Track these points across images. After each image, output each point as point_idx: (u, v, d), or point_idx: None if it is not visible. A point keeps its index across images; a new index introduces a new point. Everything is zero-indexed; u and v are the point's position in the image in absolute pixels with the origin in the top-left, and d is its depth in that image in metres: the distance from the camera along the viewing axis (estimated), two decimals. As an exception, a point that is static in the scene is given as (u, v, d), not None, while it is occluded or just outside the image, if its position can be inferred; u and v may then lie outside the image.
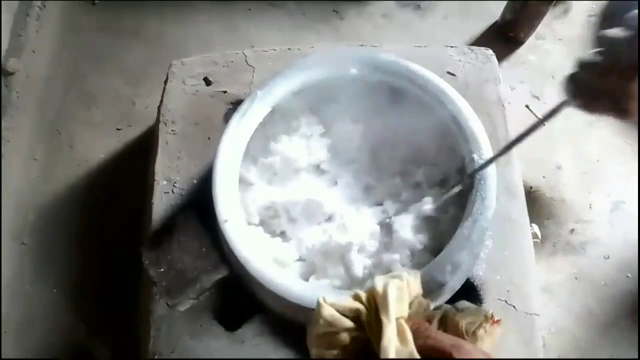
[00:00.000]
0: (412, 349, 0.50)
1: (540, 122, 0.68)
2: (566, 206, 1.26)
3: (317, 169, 0.92)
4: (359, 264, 0.80)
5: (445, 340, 0.52)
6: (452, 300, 0.83)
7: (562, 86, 0.61)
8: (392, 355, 0.49)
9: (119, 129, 1.36)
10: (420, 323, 0.56)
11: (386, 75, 0.85)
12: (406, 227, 0.82)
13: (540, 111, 1.35)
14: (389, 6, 1.56)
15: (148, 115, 1.33)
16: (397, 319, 0.53)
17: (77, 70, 1.45)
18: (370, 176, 0.91)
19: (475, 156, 0.80)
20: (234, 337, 0.83)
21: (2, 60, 1.33)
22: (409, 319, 0.55)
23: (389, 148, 0.91)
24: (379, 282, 0.56)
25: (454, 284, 0.78)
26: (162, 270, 0.86)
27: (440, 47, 1.09)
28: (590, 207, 1.26)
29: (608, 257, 1.21)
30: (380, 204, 0.90)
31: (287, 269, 0.83)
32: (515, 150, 0.97)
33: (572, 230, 1.23)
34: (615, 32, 0.56)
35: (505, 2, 1.45)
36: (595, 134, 1.36)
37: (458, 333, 0.61)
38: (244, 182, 0.87)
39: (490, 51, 1.10)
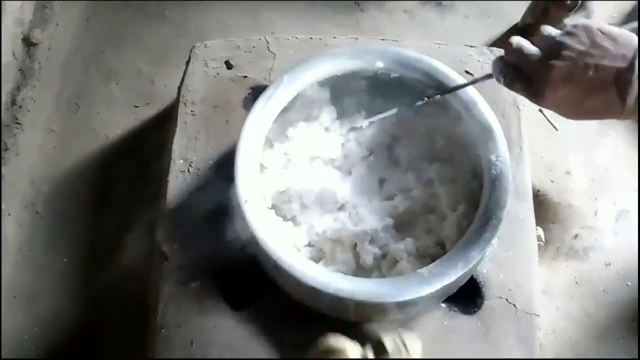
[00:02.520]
0: None
1: (472, 82, 0.82)
2: (572, 211, 1.27)
3: (332, 158, 0.93)
4: (369, 253, 0.82)
5: None
6: (454, 296, 0.85)
7: (492, 62, 0.72)
8: None
9: (136, 107, 1.38)
10: None
11: (410, 71, 0.87)
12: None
13: (553, 117, 1.36)
14: (410, 2, 1.57)
15: (166, 94, 1.35)
16: None
17: (100, 46, 1.46)
18: (384, 170, 0.92)
19: (493, 157, 0.81)
20: (240, 316, 0.85)
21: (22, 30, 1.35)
22: None
23: (405, 143, 0.93)
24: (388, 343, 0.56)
25: (462, 279, 0.80)
26: (175, 246, 0.88)
27: (459, 46, 1.10)
28: (596, 214, 1.27)
29: (609, 265, 1.23)
30: (392, 198, 0.91)
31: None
32: (526, 153, 1.00)
33: (576, 236, 1.25)
34: (553, 32, 0.65)
35: (526, 5, 1.45)
36: (606, 142, 1.37)
37: None
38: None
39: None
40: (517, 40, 0.68)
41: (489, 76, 0.75)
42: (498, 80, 0.71)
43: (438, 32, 1.52)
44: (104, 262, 1.21)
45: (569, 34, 0.63)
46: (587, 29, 0.62)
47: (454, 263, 0.74)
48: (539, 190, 1.27)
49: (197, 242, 0.89)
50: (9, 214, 1.22)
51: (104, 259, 1.22)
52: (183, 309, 0.85)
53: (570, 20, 1.28)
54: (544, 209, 1.26)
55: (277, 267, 0.74)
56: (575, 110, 0.65)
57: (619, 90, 0.59)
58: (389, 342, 0.58)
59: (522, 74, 0.67)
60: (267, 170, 0.90)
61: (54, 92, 1.38)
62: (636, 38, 0.60)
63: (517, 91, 0.69)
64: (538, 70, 0.64)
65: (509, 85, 0.70)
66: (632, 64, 0.58)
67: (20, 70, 1.34)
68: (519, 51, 0.67)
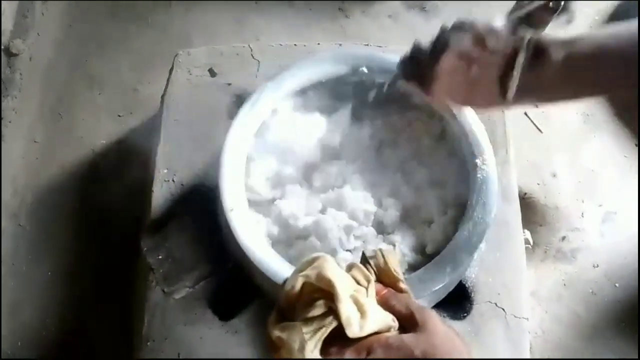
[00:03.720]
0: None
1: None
2: (559, 214, 1.28)
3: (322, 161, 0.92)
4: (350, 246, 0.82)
5: (406, 305, 0.54)
6: (442, 300, 0.85)
7: (397, 64, 0.78)
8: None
9: (120, 116, 1.37)
10: (379, 291, 0.58)
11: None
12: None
13: (539, 119, 1.37)
14: (395, 7, 1.57)
15: (150, 102, 1.33)
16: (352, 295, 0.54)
17: (82, 54, 1.45)
18: (372, 174, 0.92)
19: (478, 161, 0.81)
20: (228, 326, 0.84)
21: (2, 40, 1.33)
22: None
23: (392, 148, 0.92)
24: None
25: (450, 284, 0.80)
26: (160, 257, 0.87)
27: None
28: (583, 216, 1.28)
29: (597, 266, 1.23)
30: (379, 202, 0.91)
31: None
32: (512, 156, 1.00)
33: (564, 238, 1.25)
34: (443, 29, 0.71)
35: (509, 8, 1.46)
36: (593, 144, 1.38)
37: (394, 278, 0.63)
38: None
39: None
40: (417, 40, 0.74)
41: (395, 77, 0.82)
42: (401, 77, 0.78)
43: (423, 36, 1.51)
44: (88, 273, 1.19)
45: (457, 29, 0.68)
46: (473, 28, 0.67)
47: (442, 268, 0.74)
48: (525, 193, 1.28)
49: (183, 252, 0.88)
50: (-8, 226, 1.20)
51: (88, 269, 1.20)
52: (169, 320, 0.84)
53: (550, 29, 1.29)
54: (531, 211, 1.27)
55: (263, 276, 0.73)
56: (462, 103, 0.74)
57: (502, 86, 0.64)
58: (369, 251, 0.61)
59: (418, 69, 0.73)
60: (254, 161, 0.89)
61: (36, 102, 1.36)
62: (517, 37, 0.65)
63: (413, 85, 0.75)
64: (428, 64, 0.70)
65: (406, 78, 0.77)
66: (513, 60, 0.63)
67: (1, 81, 1.32)
68: (416, 47, 0.74)
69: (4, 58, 1.34)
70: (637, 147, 1.37)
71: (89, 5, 1.52)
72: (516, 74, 0.62)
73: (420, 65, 0.72)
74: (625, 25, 0.61)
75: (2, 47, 1.34)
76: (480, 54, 0.65)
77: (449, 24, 0.71)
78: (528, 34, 0.64)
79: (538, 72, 0.62)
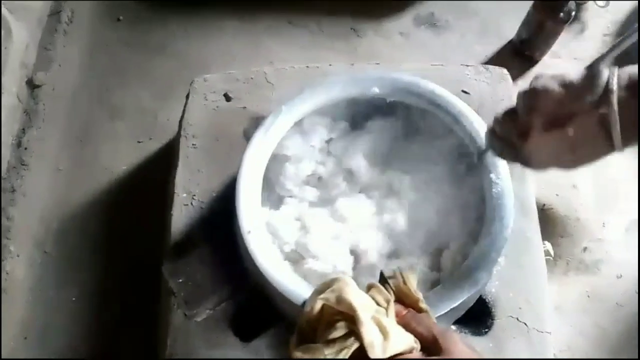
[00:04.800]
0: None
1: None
2: (580, 225, 1.26)
3: (334, 185, 0.93)
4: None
5: (428, 327, 0.54)
6: (463, 316, 0.84)
7: (485, 135, 0.73)
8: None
9: (140, 142, 1.40)
10: (399, 312, 0.58)
11: (406, 96, 0.88)
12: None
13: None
14: (406, 25, 1.59)
15: (169, 128, 1.37)
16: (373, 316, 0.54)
17: (102, 84, 1.49)
18: (384, 195, 0.92)
19: (493, 176, 0.81)
20: (249, 348, 0.85)
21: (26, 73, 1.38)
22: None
23: (405, 168, 0.93)
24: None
25: (470, 300, 0.80)
26: (180, 281, 0.89)
27: (456, 66, 1.11)
28: (604, 226, 1.26)
29: (621, 277, 1.21)
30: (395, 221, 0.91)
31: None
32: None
33: (586, 249, 1.23)
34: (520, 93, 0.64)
35: (521, 21, 1.46)
36: (612, 154, 1.36)
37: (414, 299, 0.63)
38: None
39: (504, 70, 1.12)
40: (498, 112, 0.68)
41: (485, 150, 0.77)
42: (493, 154, 0.72)
43: (435, 52, 1.53)
44: (113, 298, 1.21)
45: (534, 97, 0.61)
46: (555, 78, 0.61)
47: (460, 285, 0.74)
48: (544, 205, 1.26)
49: (203, 275, 0.89)
50: (18, 255, 1.23)
51: (113, 294, 1.22)
52: (191, 343, 0.85)
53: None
54: (552, 223, 1.25)
55: (283, 298, 0.74)
56: (569, 162, 0.63)
57: (604, 133, 0.58)
58: (387, 271, 0.62)
59: (509, 141, 0.66)
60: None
61: (59, 131, 1.40)
62: (605, 74, 0.58)
63: (510, 160, 0.69)
64: (518, 132, 0.64)
65: (501, 156, 0.71)
66: (607, 101, 0.56)
67: (25, 112, 1.37)
68: (499, 120, 0.67)
69: (27, 90, 1.39)
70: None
71: (109, 37, 1.57)
72: (614, 116, 0.56)
73: (511, 135, 0.66)
74: None
75: (26, 79, 1.38)
76: (571, 107, 0.59)
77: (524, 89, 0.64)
78: (614, 71, 0.58)
79: (635, 107, 0.56)
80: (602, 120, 0.57)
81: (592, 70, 0.58)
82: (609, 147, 0.59)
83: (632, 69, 0.58)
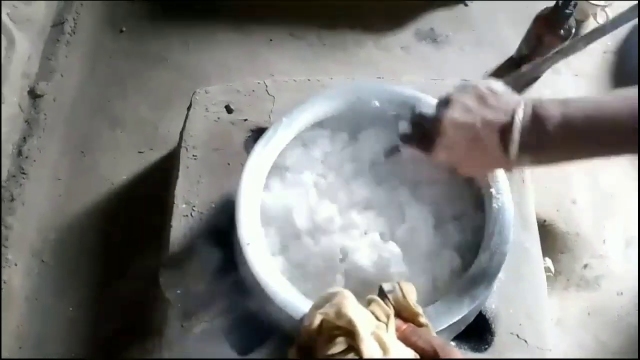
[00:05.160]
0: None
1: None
2: (580, 240, 1.25)
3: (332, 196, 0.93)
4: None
5: (428, 342, 0.54)
6: (462, 332, 0.84)
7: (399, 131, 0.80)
8: None
9: (141, 152, 1.40)
10: (399, 326, 0.57)
11: (406, 109, 0.88)
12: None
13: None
14: (406, 39, 1.60)
15: (170, 139, 1.37)
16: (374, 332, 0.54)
17: (104, 94, 1.50)
18: (383, 208, 0.92)
19: (493, 190, 0.81)
20: (246, 361, 0.84)
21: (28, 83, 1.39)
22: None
23: (404, 181, 0.92)
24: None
25: (469, 316, 0.79)
26: (178, 292, 0.88)
27: (455, 80, 1.11)
28: (605, 242, 1.26)
29: (622, 293, 1.21)
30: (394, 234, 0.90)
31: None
32: (529, 183, 0.99)
33: (586, 265, 1.23)
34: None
35: (521, 37, 1.47)
36: (611, 169, 1.36)
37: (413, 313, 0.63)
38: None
39: (507, 80, 1.12)
40: (417, 106, 0.78)
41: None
42: (404, 142, 0.80)
43: (435, 67, 1.54)
44: (110, 308, 1.21)
45: (459, 91, 0.69)
46: (475, 88, 0.68)
47: (460, 300, 0.73)
48: (545, 220, 1.26)
49: (201, 286, 0.88)
50: (16, 264, 1.22)
51: (110, 304, 1.21)
52: (187, 355, 0.84)
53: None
54: (552, 239, 1.25)
55: (280, 311, 0.73)
56: (464, 162, 0.72)
57: (502, 142, 0.64)
58: (387, 285, 0.62)
59: (419, 134, 0.75)
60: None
61: (59, 141, 1.40)
62: (517, 96, 0.66)
63: (412, 146, 0.77)
64: (430, 127, 0.71)
65: (405, 141, 0.79)
66: (513, 118, 0.63)
67: (26, 121, 1.37)
68: (416, 113, 0.76)
69: (29, 100, 1.39)
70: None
71: (111, 48, 1.58)
72: (516, 134, 0.62)
73: (421, 129, 0.74)
74: (627, 90, 0.61)
75: (28, 89, 1.39)
76: (481, 114, 0.66)
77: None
78: (526, 95, 0.67)
79: (537, 132, 0.62)
80: (503, 134, 0.64)
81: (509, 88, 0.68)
82: (503, 159, 0.65)
83: (539, 98, 0.65)
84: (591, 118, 0.60)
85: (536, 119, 0.62)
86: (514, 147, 0.63)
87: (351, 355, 0.52)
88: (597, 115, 0.60)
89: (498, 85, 0.68)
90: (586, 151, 0.64)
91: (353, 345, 0.53)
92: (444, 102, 0.70)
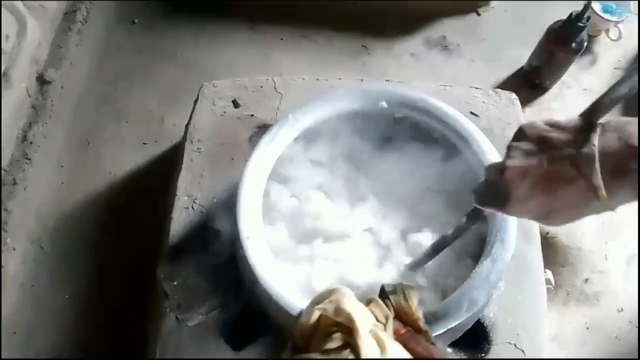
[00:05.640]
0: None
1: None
2: (582, 255, 1.25)
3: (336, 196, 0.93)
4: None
5: (427, 349, 0.53)
6: (460, 340, 0.83)
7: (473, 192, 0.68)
8: None
9: (145, 144, 1.40)
10: (397, 330, 0.57)
11: (413, 111, 0.87)
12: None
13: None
14: (417, 46, 1.60)
15: (175, 132, 1.37)
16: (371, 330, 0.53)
17: (111, 85, 1.50)
18: (388, 210, 0.91)
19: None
20: (240, 356, 0.83)
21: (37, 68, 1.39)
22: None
23: (409, 186, 0.92)
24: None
25: (467, 322, 0.78)
26: (175, 284, 0.88)
27: (465, 88, 1.12)
28: (607, 258, 1.25)
29: (621, 310, 1.19)
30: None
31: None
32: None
33: (587, 280, 1.22)
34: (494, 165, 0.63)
35: (531, 49, 1.47)
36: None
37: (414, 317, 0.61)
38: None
39: (514, 95, 1.12)
40: (490, 165, 0.67)
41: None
42: (477, 204, 0.68)
43: (444, 75, 1.54)
44: (106, 298, 1.20)
45: (517, 137, 0.61)
46: (531, 127, 0.60)
47: (458, 305, 0.73)
48: (547, 233, 1.25)
49: (198, 279, 0.88)
50: (14, 249, 1.22)
51: (106, 295, 1.20)
52: (182, 347, 0.84)
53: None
54: (553, 252, 1.24)
55: (278, 306, 0.73)
56: (551, 211, 0.59)
57: (583, 175, 0.54)
58: (388, 286, 0.61)
59: (492, 193, 0.64)
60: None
61: (64, 129, 1.40)
62: (583, 120, 0.57)
63: (489, 207, 0.66)
64: (499, 178, 0.62)
65: (481, 204, 0.67)
66: (586, 145, 0.54)
67: (33, 107, 1.37)
68: (488, 171, 0.66)
69: (37, 85, 1.39)
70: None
71: (121, 39, 1.58)
72: (596, 166, 0.52)
73: (494, 182, 0.63)
74: None
75: (37, 74, 1.39)
76: (547, 151, 0.57)
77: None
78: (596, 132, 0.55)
79: (618, 157, 0.52)
80: (581, 167, 0.54)
81: (582, 127, 0.56)
82: (592, 195, 0.54)
83: (618, 125, 0.54)
84: None
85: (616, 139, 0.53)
86: (599, 187, 0.53)
87: (347, 352, 0.52)
88: None
89: (560, 119, 0.59)
90: None
91: (350, 342, 0.52)
92: (506, 152, 0.62)
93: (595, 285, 1.22)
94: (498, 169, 0.62)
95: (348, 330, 0.53)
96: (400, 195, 0.92)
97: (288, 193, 0.92)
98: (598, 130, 0.54)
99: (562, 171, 0.55)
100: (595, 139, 0.53)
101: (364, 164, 0.93)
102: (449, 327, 0.71)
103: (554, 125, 0.58)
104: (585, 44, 1.35)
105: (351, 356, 0.51)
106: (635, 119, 0.54)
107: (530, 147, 0.58)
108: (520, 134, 0.61)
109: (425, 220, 0.89)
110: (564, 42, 1.36)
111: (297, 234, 0.88)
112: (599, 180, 0.52)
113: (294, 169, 0.92)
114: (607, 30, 1.53)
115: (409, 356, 0.53)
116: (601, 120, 0.56)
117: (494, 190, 0.63)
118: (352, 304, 0.55)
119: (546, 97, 1.50)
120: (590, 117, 0.57)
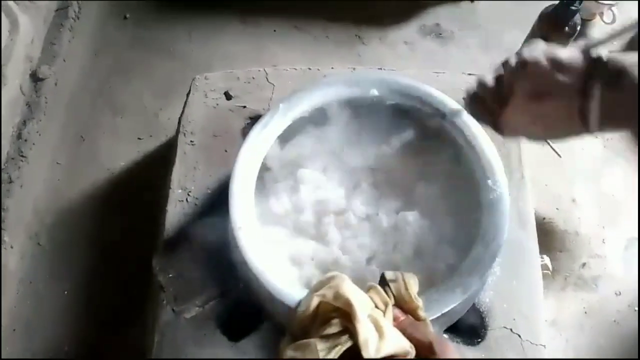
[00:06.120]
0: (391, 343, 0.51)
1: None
2: (579, 240, 1.24)
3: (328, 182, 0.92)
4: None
5: (425, 335, 0.53)
6: (456, 325, 0.83)
7: (464, 99, 0.74)
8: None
9: (140, 139, 1.40)
10: (397, 316, 0.57)
11: (404, 98, 0.87)
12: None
13: (557, 144, 1.35)
14: (411, 34, 1.59)
15: (169, 126, 1.37)
16: (369, 315, 0.53)
17: (105, 80, 1.50)
18: (380, 195, 0.91)
19: (490, 182, 0.80)
20: (237, 347, 0.83)
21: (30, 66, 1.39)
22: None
23: (401, 171, 0.92)
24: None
25: (462, 307, 0.78)
26: (170, 276, 0.88)
27: (458, 74, 1.11)
28: (604, 242, 1.25)
29: (620, 294, 1.19)
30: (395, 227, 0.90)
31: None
32: (528, 180, 0.98)
33: (584, 265, 1.22)
34: (508, 66, 0.64)
35: (526, 34, 1.46)
36: (613, 169, 1.35)
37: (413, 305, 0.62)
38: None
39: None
40: (484, 76, 0.69)
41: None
42: (467, 111, 0.76)
43: (439, 63, 1.53)
44: (104, 293, 1.20)
45: (522, 66, 0.62)
46: (534, 66, 0.61)
47: (452, 290, 0.73)
48: (544, 218, 1.25)
49: (194, 271, 0.88)
50: (12, 246, 1.22)
51: (105, 289, 1.21)
52: (179, 339, 0.84)
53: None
54: (551, 237, 1.24)
55: (272, 296, 0.73)
56: (536, 136, 0.67)
57: (581, 115, 0.58)
58: (389, 273, 0.61)
59: (488, 107, 0.69)
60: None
61: (59, 125, 1.40)
62: (584, 57, 0.59)
63: (483, 123, 0.73)
64: (498, 105, 0.66)
65: (475, 116, 0.75)
66: (589, 87, 0.57)
67: (27, 104, 1.37)
68: (483, 85, 0.69)
69: (30, 83, 1.39)
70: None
71: (114, 34, 1.58)
72: (595, 102, 0.56)
73: (490, 103, 0.68)
74: None
75: (30, 71, 1.39)
76: (554, 81, 0.59)
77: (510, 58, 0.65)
78: (602, 53, 0.58)
79: (617, 97, 0.56)
80: (581, 103, 0.58)
81: (584, 52, 0.59)
82: (583, 129, 0.60)
83: (615, 56, 0.57)
84: None
85: (616, 83, 0.56)
86: (593, 121, 0.57)
87: (345, 338, 0.52)
88: None
89: (561, 50, 0.61)
90: None
91: (349, 327, 0.52)
92: (507, 81, 0.64)
93: (593, 269, 1.22)
94: (499, 99, 0.65)
95: (346, 316, 0.53)
96: (393, 180, 0.92)
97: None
98: (598, 73, 0.56)
99: (564, 106, 0.59)
100: (598, 84, 0.56)
101: (357, 151, 0.93)
102: (442, 312, 0.71)
103: (556, 59, 0.60)
104: (579, 27, 1.35)
105: (349, 342, 0.51)
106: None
107: (534, 83, 0.61)
108: (525, 64, 0.62)
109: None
110: (557, 26, 1.34)
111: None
112: (595, 124, 0.57)
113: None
114: (601, 14, 1.52)
115: (407, 344, 0.53)
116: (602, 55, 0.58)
117: (491, 111, 0.67)
118: (351, 290, 0.55)
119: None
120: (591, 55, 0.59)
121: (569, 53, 0.60)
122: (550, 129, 0.64)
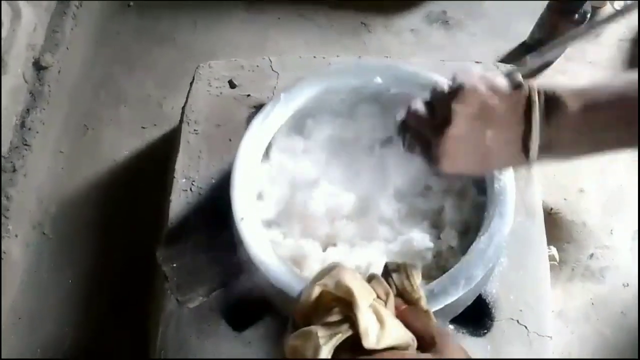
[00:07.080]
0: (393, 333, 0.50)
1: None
2: (587, 230, 1.23)
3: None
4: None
5: (426, 325, 0.52)
6: (461, 316, 0.82)
7: (396, 125, 0.66)
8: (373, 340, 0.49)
9: (144, 128, 1.39)
10: (398, 306, 0.56)
11: (409, 86, 0.85)
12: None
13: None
14: (417, 21, 1.57)
15: (173, 116, 1.36)
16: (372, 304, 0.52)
17: (109, 69, 1.49)
18: (386, 186, 0.90)
19: (496, 171, 0.79)
20: (241, 337, 0.83)
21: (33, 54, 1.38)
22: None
23: (406, 160, 0.91)
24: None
25: (466, 298, 0.77)
26: (174, 266, 0.87)
27: (465, 63, 1.09)
28: (612, 233, 1.23)
29: (627, 285, 1.18)
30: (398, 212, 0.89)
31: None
32: (535, 171, 0.97)
33: (592, 255, 1.21)
34: (440, 92, 0.59)
35: (533, 22, 1.44)
36: (620, 160, 1.33)
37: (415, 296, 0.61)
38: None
39: (515, 69, 1.09)
40: (414, 103, 0.62)
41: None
42: (400, 141, 0.66)
43: (445, 51, 1.51)
44: (108, 282, 1.20)
45: (457, 96, 0.57)
46: (472, 92, 0.57)
47: (456, 281, 0.72)
48: (552, 209, 1.24)
49: (197, 261, 0.87)
50: (16, 235, 1.22)
51: (109, 278, 1.21)
52: (183, 329, 0.84)
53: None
54: (558, 228, 1.23)
55: (274, 287, 0.72)
56: (475, 169, 0.61)
57: (523, 145, 0.56)
58: (392, 264, 0.59)
59: (421, 137, 0.62)
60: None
61: (63, 114, 1.40)
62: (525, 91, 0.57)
63: (417, 154, 0.64)
64: (433, 137, 0.59)
65: (408, 149, 0.65)
66: (528, 117, 0.55)
67: (30, 93, 1.36)
68: (416, 115, 0.62)
69: (33, 71, 1.38)
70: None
71: (117, 23, 1.56)
72: (535, 132, 0.55)
73: (425, 133, 0.61)
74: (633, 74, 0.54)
75: (33, 60, 1.38)
76: (492, 109, 0.56)
77: (440, 84, 0.60)
78: (536, 84, 0.57)
79: (555, 127, 0.55)
80: (522, 132, 0.56)
81: (514, 83, 0.58)
82: (523, 159, 0.57)
83: (552, 87, 0.56)
84: (615, 106, 0.54)
85: (553, 114, 0.55)
86: (533, 151, 0.56)
87: (345, 327, 0.51)
88: (621, 102, 0.54)
89: (501, 82, 0.58)
90: (611, 144, 0.57)
91: (350, 316, 0.51)
92: (443, 111, 0.59)
93: (600, 260, 1.21)
94: (436, 130, 0.59)
95: (348, 305, 0.52)
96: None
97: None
98: (537, 105, 0.55)
99: (505, 137, 0.57)
100: (537, 113, 0.55)
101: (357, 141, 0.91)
102: (446, 303, 0.70)
103: (494, 91, 0.57)
104: (589, 15, 1.32)
105: (350, 331, 0.51)
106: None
107: (473, 113, 0.57)
108: (461, 94, 0.57)
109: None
110: (567, 14, 1.33)
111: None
112: (535, 153, 0.56)
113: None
114: (611, 2, 1.49)
115: (408, 334, 0.53)
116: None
117: (426, 142, 0.61)
118: (352, 279, 0.55)
119: (550, 71, 1.48)
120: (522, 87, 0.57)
121: (506, 81, 0.58)
122: (489, 159, 0.59)
